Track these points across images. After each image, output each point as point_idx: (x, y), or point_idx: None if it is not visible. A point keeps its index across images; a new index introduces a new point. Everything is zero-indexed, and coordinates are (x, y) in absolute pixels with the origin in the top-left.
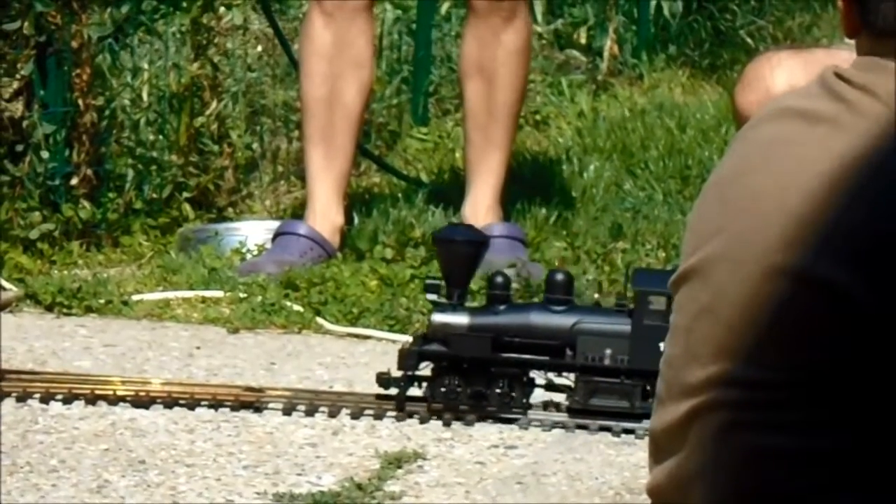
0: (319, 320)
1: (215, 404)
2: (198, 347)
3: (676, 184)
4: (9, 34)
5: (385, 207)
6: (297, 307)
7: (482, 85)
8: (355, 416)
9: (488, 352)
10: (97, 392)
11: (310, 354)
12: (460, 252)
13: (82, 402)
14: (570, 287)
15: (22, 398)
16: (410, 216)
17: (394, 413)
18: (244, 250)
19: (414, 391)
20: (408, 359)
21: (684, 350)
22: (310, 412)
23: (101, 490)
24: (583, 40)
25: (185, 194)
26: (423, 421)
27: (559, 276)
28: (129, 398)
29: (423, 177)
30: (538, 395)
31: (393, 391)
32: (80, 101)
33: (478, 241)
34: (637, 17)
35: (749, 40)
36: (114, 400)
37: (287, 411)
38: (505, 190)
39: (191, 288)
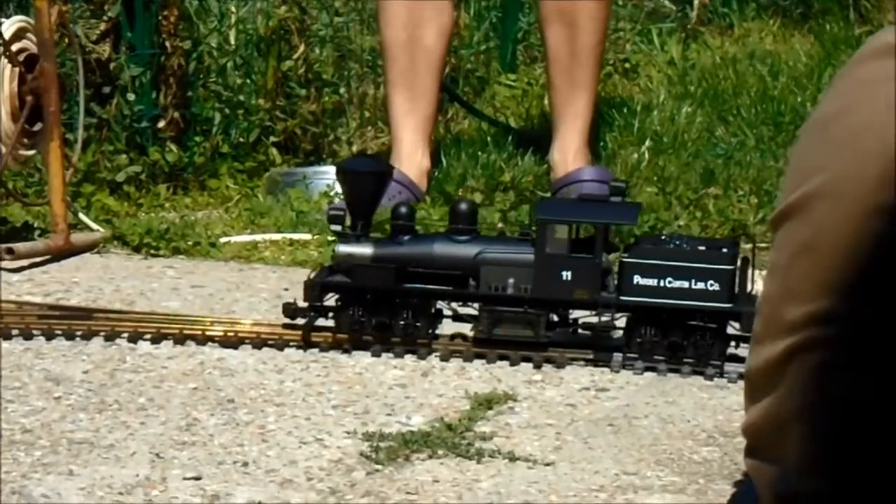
0: None
1: (304, 345)
2: (286, 289)
3: (769, 130)
4: None
5: (474, 151)
6: None
7: (563, 28)
8: (444, 357)
9: (392, 283)
10: (186, 332)
11: None
12: (363, 183)
13: (171, 342)
14: (474, 217)
15: (110, 337)
16: (500, 160)
17: (484, 357)
18: (332, 193)
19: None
20: (312, 290)
21: (782, 287)
22: (399, 354)
23: (189, 428)
24: None
25: (272, 139)
26: (512, 363)
27: (463, 206)
28: (217, 338)
29: (512, 123)
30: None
31: (300, 321)
32: (168, 44)
33: (381, 172)
34: None
35: None
36: (202, 340)
37: (377, 353)
38: (592, 134)
39: (279, 230)
